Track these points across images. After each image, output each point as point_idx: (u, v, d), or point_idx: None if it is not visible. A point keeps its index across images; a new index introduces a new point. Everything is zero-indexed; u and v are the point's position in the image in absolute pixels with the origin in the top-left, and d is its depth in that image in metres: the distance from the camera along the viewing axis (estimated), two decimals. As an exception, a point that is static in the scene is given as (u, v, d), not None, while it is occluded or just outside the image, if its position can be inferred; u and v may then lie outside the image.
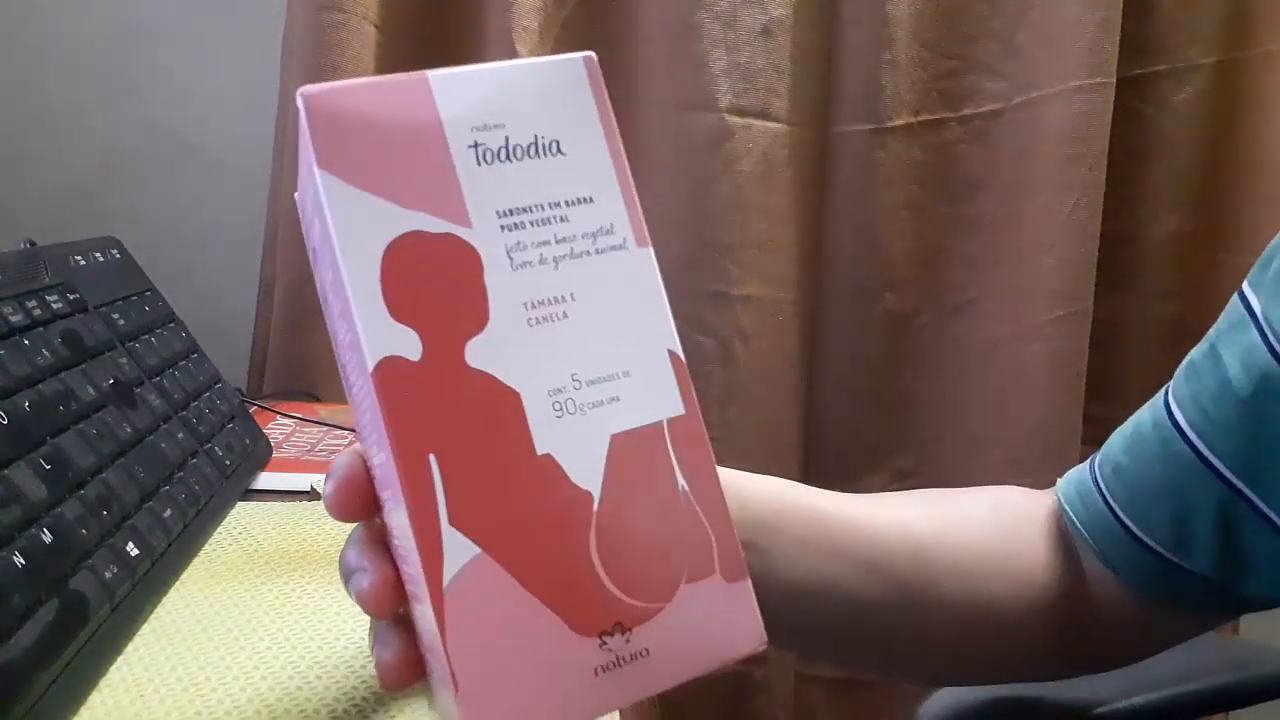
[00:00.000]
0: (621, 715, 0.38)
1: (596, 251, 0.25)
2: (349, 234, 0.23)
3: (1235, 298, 0.40)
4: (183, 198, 0.90)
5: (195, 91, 0.89)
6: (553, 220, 0.24)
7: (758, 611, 0.25)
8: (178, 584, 0.44)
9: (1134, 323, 0.84)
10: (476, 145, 0.24)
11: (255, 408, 0.70)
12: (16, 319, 0.43)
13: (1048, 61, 0.76)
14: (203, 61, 0.89)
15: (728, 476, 0.39)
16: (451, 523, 0.22)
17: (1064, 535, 0.45)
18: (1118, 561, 0.43)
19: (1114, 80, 0.75)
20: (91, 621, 0.36)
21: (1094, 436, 0.80)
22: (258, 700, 0.35)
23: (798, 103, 0.78)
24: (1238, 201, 0.81)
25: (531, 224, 0.24)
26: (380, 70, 0.77)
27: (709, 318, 0.78)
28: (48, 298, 0.47)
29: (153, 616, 0.41)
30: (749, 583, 0.25)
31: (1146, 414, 0.43)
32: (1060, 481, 0.46)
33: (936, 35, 0.78)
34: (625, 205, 0.25)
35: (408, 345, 0.23)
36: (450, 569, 0.22)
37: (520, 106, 0.25)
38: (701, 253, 0.78)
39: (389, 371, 0.23)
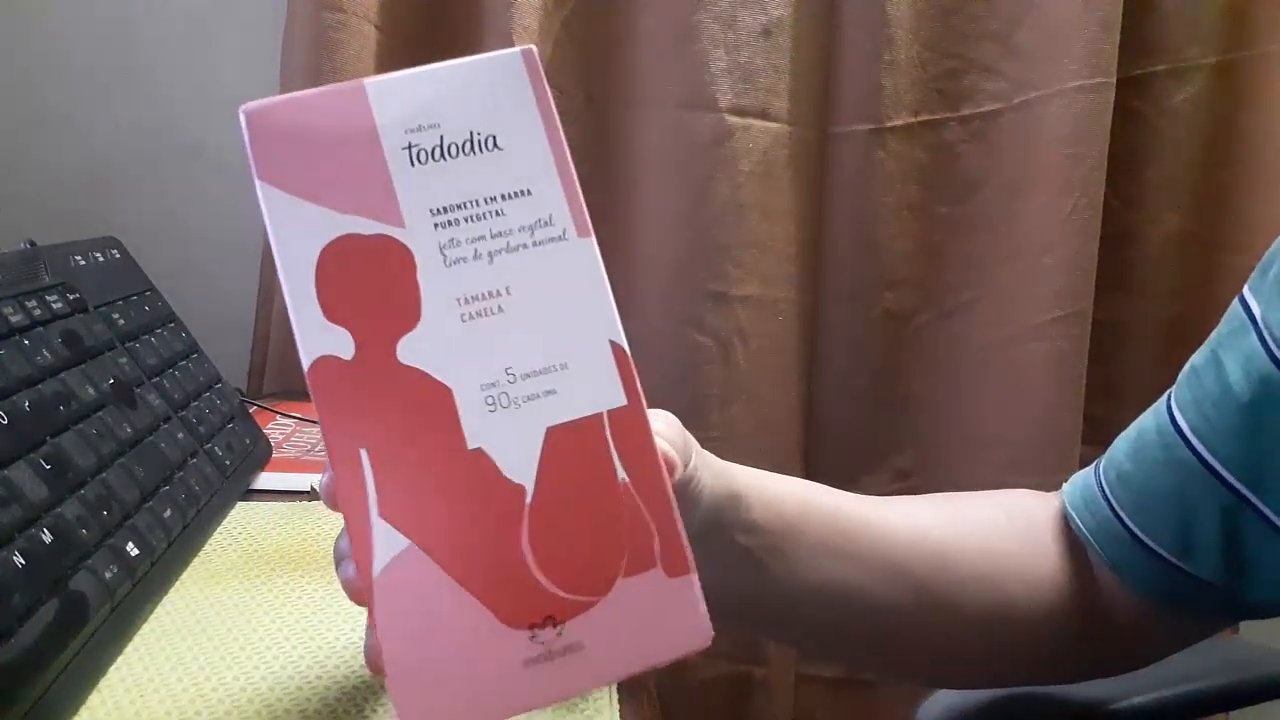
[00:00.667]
0: (622, 715, 0.38)
1: (534, 244, 0.25)
2: (286, 241, 0.24)
3: (1235, 303, 0.40)
4: (183, 198, 0.90)
5: (195, 91, 0.89)
6: (488, 215, 0.25)
7: (703, 607, 0.25)
8: (178, 584, 0.44)
9: (1134, 323, 0.84)
10: (410, 146, 0.25)
11: (255, 408, 0.70)
12: (16, 319, 0.43)
13: (1048, 61, 0.76)
14: (203, 61, 0.89)
15: (754, 476, 0.39)
16: (381, 515, 0.24)
17: (1074, 540, 0.45)
18: (1124, 567, 0.43)
19: (1114, 80, 0.75)
20: (91, 621, 0.36)
21: (1094, 436, 0.80)
22: (258, 700, 0.35)
23: (798, 103, 0.78)
24: (1238, 201, 0.81)
25: (466, 220, 0.25)
26: (380, 70, 0.77)
27: (709, 318, 0.78)
28: (48, 298, 0.47)
29: (153, 616, 0.41)
30: (694, 577, 0.25)
31: (1150, 419, 0.43)
32: (1066, 486, 0.46)
33: (936, 35, 0.78)
34: (565, 196, 0.25)
35: (341, 345, 0.24)
36: (380, 560, 0.23)
37: (456, 105, 0.25)
38: (701, 253, 0.78)
39: (323, 371, 0.24)
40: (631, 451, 0.25)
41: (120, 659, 0.38)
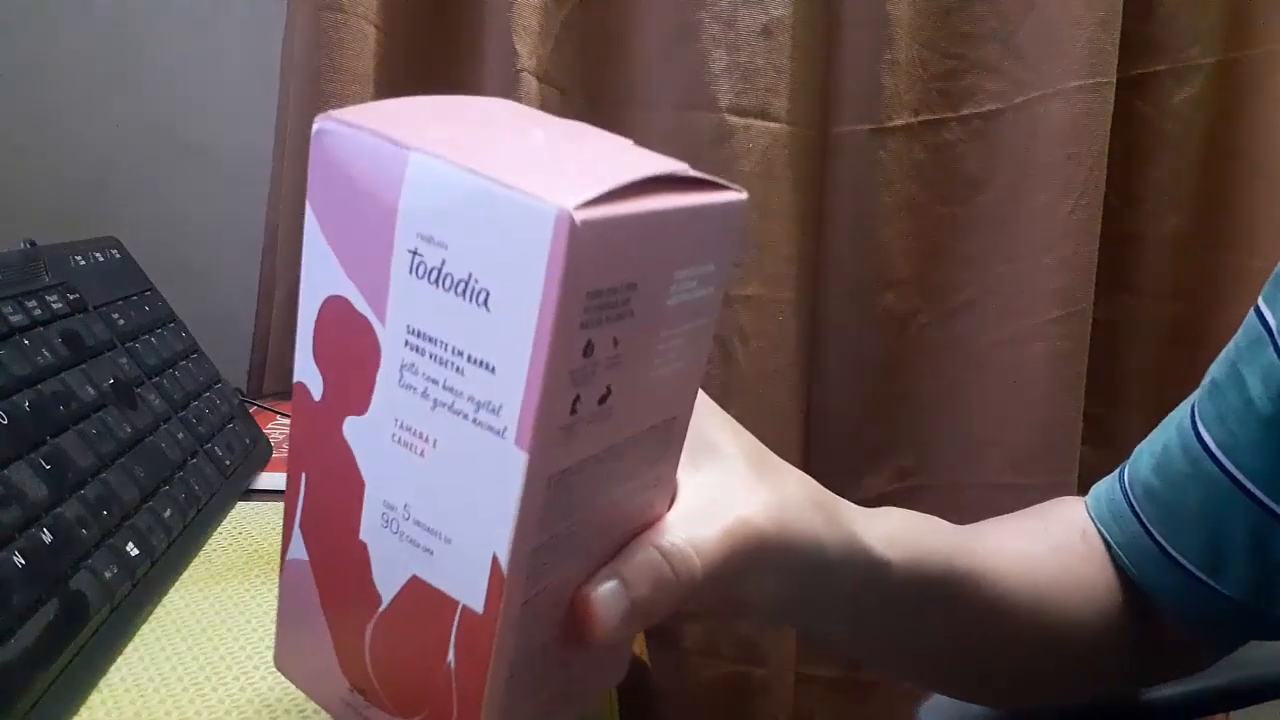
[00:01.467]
0: (622, 715, 0.38)
1: (473, 421, 0.22)
2: (310, 270, 0.24)
3: (1252, 315, 0.40)
4: (183, 198, 0.90)
5: (195, 91, 0.89)
6: (449, 365, 0.22)
7: None
8: (178, 584, 0.44)
9: (1134, 323, 0.84)
10: (415, 253, 0.22)
11: (255, 408, 0.70)
12: (16, 319, 0.43)
13: (1048, 61, 0.76)
14: (203, 61, 0.89)
15: (905, 531, 0.34)
16: (301, 526, 0.26)
17: (1106, 552, 0.44)
18: (1153, 582, 0.42)
19: (1114, 80, 0.75)
20: (91, 621, 0.36)
21: (1094, 437, 0.80)
22: (258, 700, 0.35)
23: (798, 103, 0.78)
24: (1238, 201, 0.81)
25: (430, 356, 0.22)
26: (380, 70, 0.77)
27: (709, 318, 0.78)
28: (48, 298, 0.47)
29: (153, 616, 0.41)
30: None
31: (1173, 433, 0.42)
32: (1090, 499, 0.46)
33: (936, 35, 0.78)
34: (524, 395, 0.21)
35: (315, 384, 0.25)
36: (289, 555, 0.27)
37: (472, 236, 0.21)
38: (701, 253, 0.77)
39: (300, 395, 0.25)
40: (466, 649, 0.24)
41: (120, 659, 0.38)
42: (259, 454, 0.59)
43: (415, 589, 0.24)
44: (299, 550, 0.27)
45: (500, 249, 0.21)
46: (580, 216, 0.20)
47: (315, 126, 0.23)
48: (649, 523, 0.28)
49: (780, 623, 0.41)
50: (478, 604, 0.23)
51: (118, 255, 0.59)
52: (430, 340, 0.22)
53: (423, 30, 0.80)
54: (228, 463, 0.54)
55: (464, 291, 0.21)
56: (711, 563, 0.27)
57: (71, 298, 0.49)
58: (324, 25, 0.74)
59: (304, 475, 0.26)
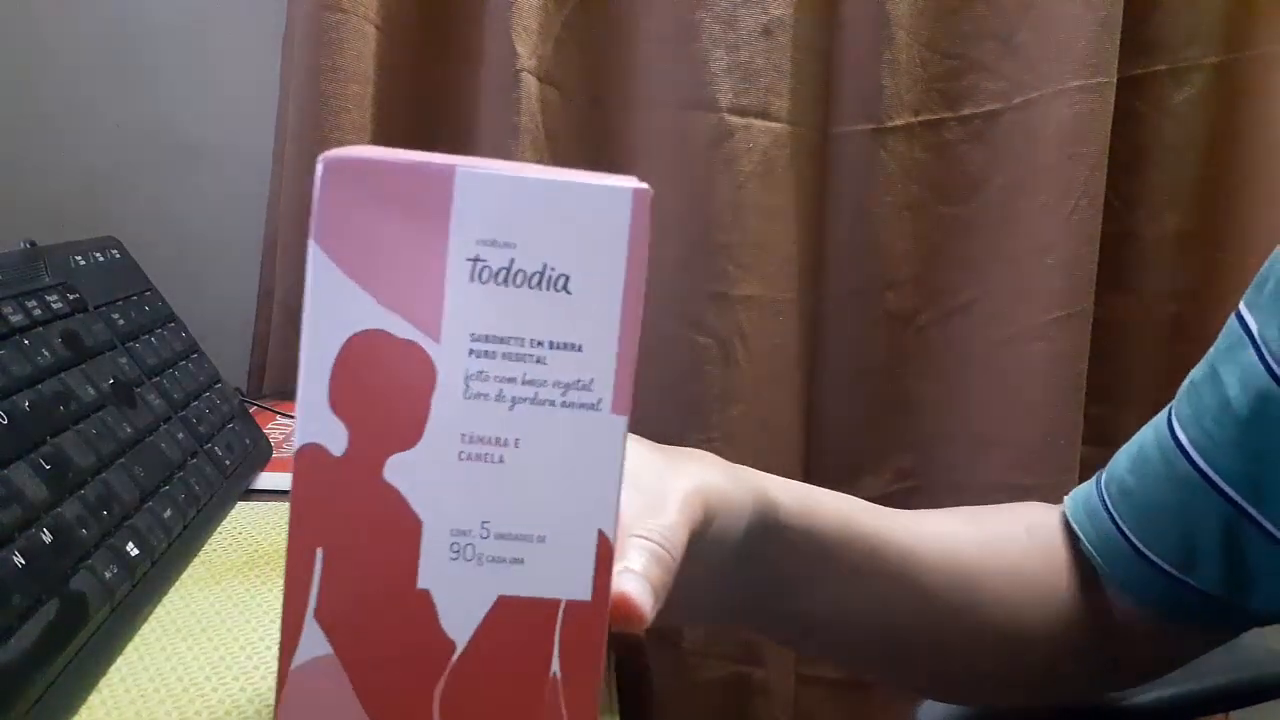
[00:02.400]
0: (622, 716, 0.38)
1: (563, 404, 0.23)
2: (320, 314, 0.22)
3: (1233, 318, 0.40)
4: (183, 198, 0.90)
5: (195, 91, 0.89)
6: (527, 359, 0.23)
7: None
8: (178, 584, 0.44)
9: (1134, 323, 0.84)
10: (477, 260, 0.22)
11: (255, 408, 0.70)
12: (16, 319, 0.43)
13: (1048, 61, 0.76)
14: (203, 61, 0.89)
15: (794, 495, 0.38)
16: (316, 616, 0.23)
17: (1081, 555, 0.45)
18: (1128, 581, 0.43)
19: (1114, 80, 0.75)
20: (91, 621, 0.36)
21: (1094, 436, 0.80)
22: (258, 700, 0.35)
23: (798, 103, 0.78)
24: (1238, 201, 0.81)
25: (504, 356, 0.23)
26: (380, 70, 0.77)
27: (709, 318, 0.78)
28: (48, 298, 0.47)
29: (153, 616, 0.41)
30: None
31: (1150, 434, 0.43)
32: (1068, 501, 0.46)
33: (936, 35, 0.78)
34: (616, 365, 0.23)
35: (335, 438, 0.23)
36: (301, 656, 0.23)
37: (541, 229, 0.22)
38: (701, 253, 0.78)
39: (309, 459, 0.23)
40: (574, 648, 0.23)
41: (120, 659, 0.38)
42: (259, 454, 0.59)
43: (503, 610, 0.23)
44: (317, 646, 0.23)
45: (576, 234, 0.23)
46: (644, 190, 0.23)
47: (322, 165, 0.22)
48: None
49: (724, 615, 0.42)
50: (585, 591, 0.23)
51: (118, 255, 0.59)
52: (502, 340, 0.23)
53: (423, 30, 0.80)
54: (228, 463, 0.54)
55: (540, 281, 0.23)
56: (681, 540, 0.29)
57: (71, 298, 0.49)
58: (324, 25, 0.74)
59: (319, 552, 0.23)
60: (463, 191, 0.22)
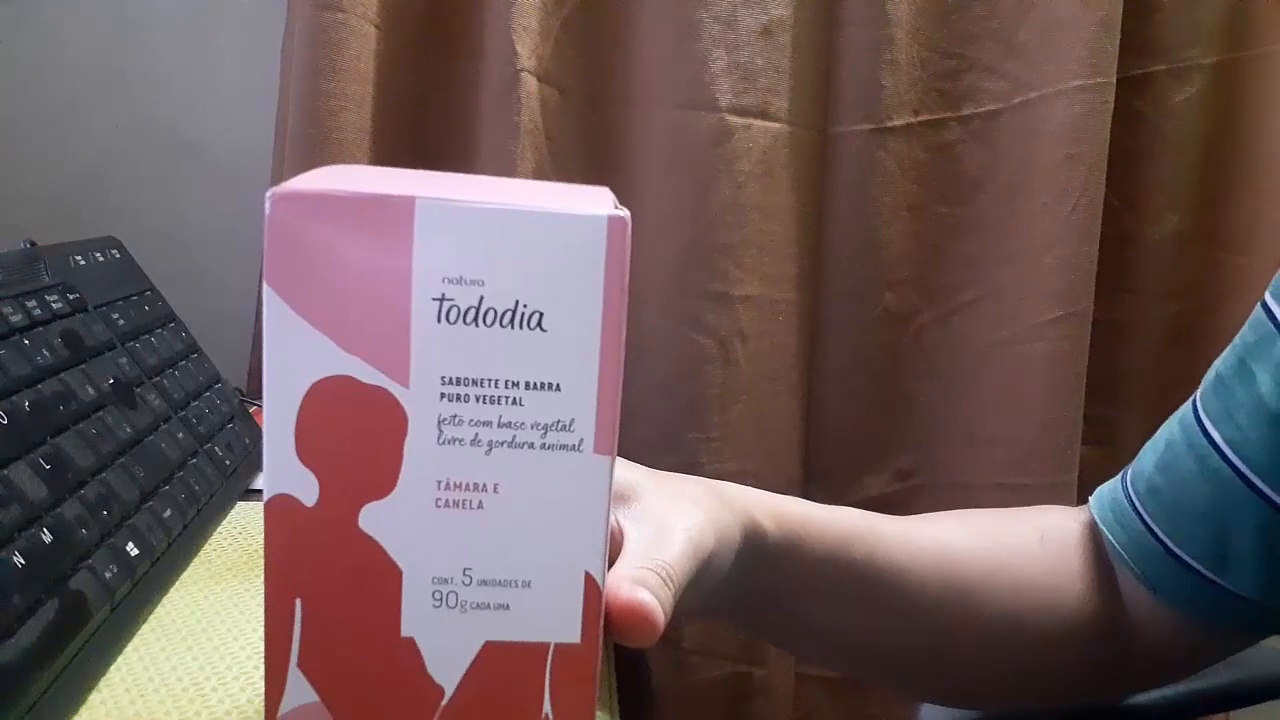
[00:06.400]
0: (622, 716, 0.38)
1: (542, 446, 0.22)
2: (278, 360, 0.21)
3: (1259, 311, 0.39)
4: (183, 198, 0.90)
5: (195, 91, 0.89)
6: (503, 401, 0.22)
7: None
8: (178, 584, 0.44)
9: (1134, 323, 0.84)
10: (443, 299, 0.21)
11: (255, 408, 0.70)
12: (16, 319, 0.43)
13: (1048, 61, 0.76)
14: (203, 61, 0.89)
15: (792, 514, 0.38)
16: (300, 665, 0.22)
17: (1101, 557, 0.44)
18: (1158, 581, 0.42)
19: (1114, 80, 0.75)
20: (91, 621, 0.36)
21: (1094, 436, 0.80)
22: (258, 700, 0.35)
23: (798, 103, 0.78)
24: (1238, 201, 0.81)
25: (477, 399, 0.22)
26: (380, 70, 0.77)
27: (709, 318, 0.78)
28: (48, 298, 0.47)
29: (153, 616, 0.41)
30: None
31: (1177, 429, 0.42)
32: (1093, 501, 0.46)
33: (936, 35, 0.78)
34: (597, 403, 0.22)
35: (305, 488, 0.22)
36: (287, 704, 0.23)
37: (511, 264, 0.21)
38: (701, 253, 0.78)
39: (280, 509, 0.22)
40: (566, 688, 0.22)
41: (120, 659, 0.38)
42: (259, 454, 0.59)
43: (490, 657, 0.22)
44: (302, 695, 0.23)
45: (549, 267, 0.21)
46: (620, 217, 0.21)
47: (269, 201, 0.21)
48: None
49: (712, 618, 0.42)
50: (573, 634, 0.22)
51: (118, 255, 0.59)
52: (475, 382, 0.21)
53: (423, 30, 0.80)
54: (228, 463, 0.54)
55: (512, 320, 0.21)
56: (686, 575, 0.30)
57: (71, 298, 0.49)
58: (324, 25, 0.74)
59: (298, 603, 0.22)
60: (424, 224, 0.21)
